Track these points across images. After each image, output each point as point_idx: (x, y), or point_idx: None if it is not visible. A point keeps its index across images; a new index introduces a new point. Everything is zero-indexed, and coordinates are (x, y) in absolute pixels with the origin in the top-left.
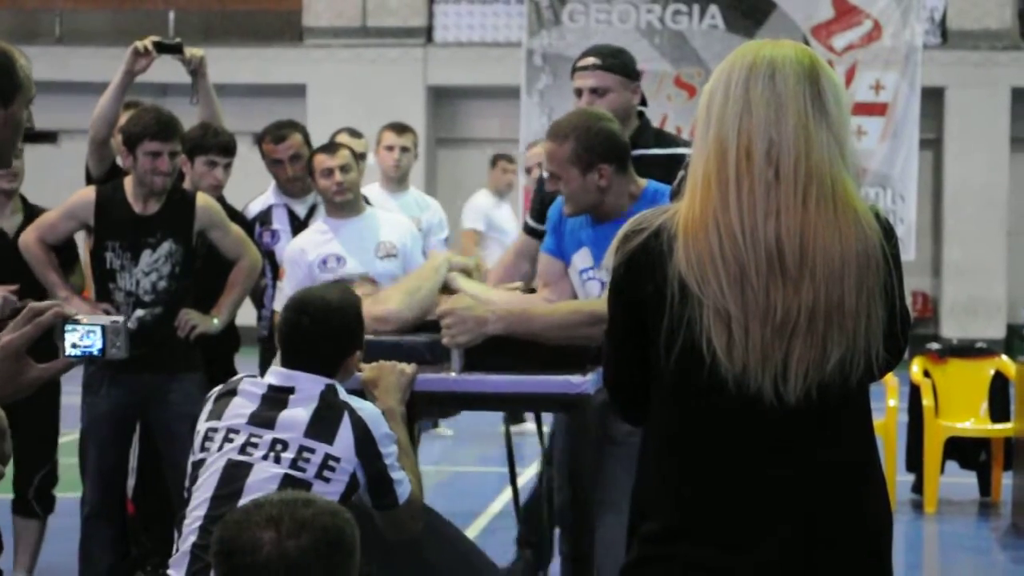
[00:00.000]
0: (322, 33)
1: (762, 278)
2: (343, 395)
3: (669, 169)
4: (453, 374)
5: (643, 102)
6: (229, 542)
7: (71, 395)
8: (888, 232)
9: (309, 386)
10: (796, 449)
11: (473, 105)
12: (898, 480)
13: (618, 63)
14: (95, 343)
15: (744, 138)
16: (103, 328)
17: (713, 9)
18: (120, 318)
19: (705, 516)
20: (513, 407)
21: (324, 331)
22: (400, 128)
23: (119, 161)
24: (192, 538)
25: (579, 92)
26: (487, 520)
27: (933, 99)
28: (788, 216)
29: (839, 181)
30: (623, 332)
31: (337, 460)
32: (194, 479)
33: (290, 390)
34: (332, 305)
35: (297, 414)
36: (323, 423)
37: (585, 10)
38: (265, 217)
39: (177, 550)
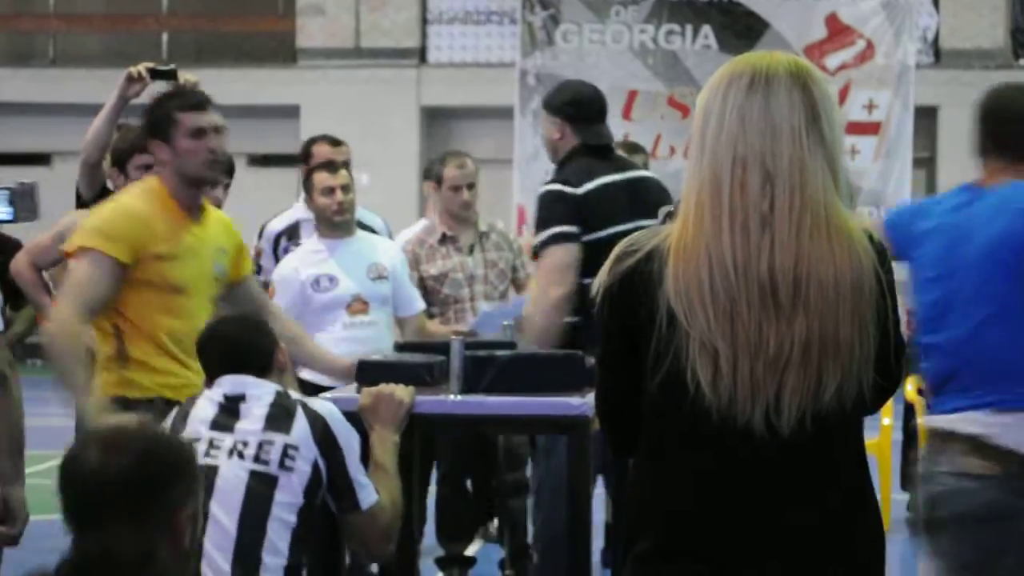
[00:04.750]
0: (315, 54)
1: (754, 312)
2: (295, 395)
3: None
4: (452, 396)
5: (587, 142)
6: (65, 460)
7: (58, 416)
8: (882, 256)
9: (259, 391)
10: (788, 477)
11: (467, 126)
12: (893, 499)
13: (545, 97)
14: (4, 210)
15: (739, 169)
16: (10, 192)
17: (706, 29)
18: (31, 181)
19: (697, 537)
20: (512, 429)
21: (247, 335)
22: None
23: (109, 184)
24: None
25: None
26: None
27: (926, 118)
28: (782, 250)
29: (833, 208)
30: (616, 356)
31: (296, 448)
32: None
33: (241, 397)
34: (243, 314)
35: (253, 415)
36: (278, 418)
37: (579, 30)
38: (292, 232)
39: None
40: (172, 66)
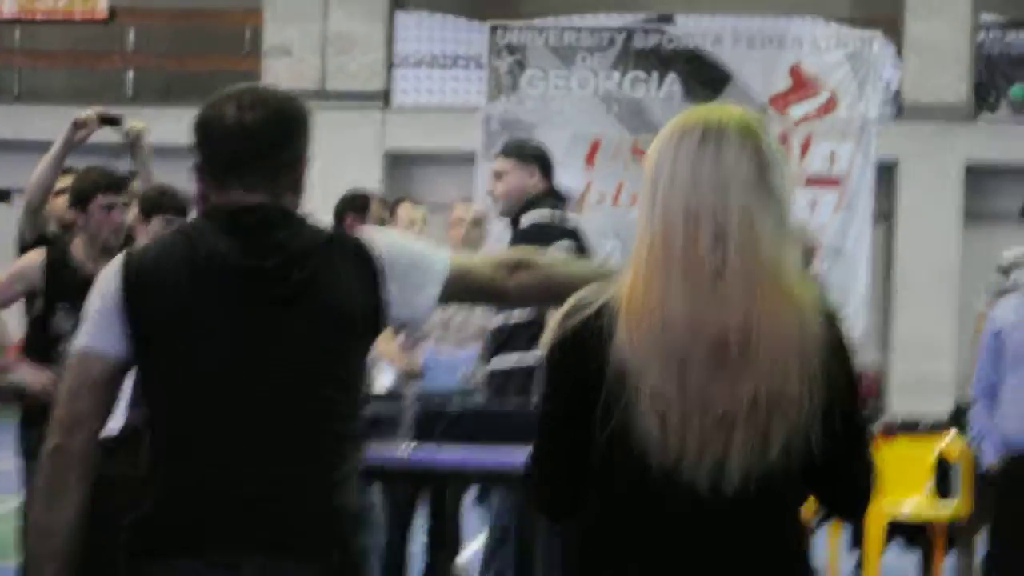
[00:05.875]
0: None
1: (704, 369)
2: None
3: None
4: (404, 446)
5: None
6: (202, 116)
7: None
8: (832, 317)
9: None
10: (729, 536)
11: (430, 170)
12: (841, 558)
13: (513, 147)
14: None
15: (690, 224)
16: None
17: (672, 77)
18: None
19: None
20: (467, 483)
21: None
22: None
23: (51, 227)
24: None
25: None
26: None
27: (887, 172)
28: (733, 307)
29: (784, 266)
30: (560, 415)
31: None
32: None
33: None
34: None
35: None
36: None
37: (544, 76)
38: None
39: None
40: (119, 115)
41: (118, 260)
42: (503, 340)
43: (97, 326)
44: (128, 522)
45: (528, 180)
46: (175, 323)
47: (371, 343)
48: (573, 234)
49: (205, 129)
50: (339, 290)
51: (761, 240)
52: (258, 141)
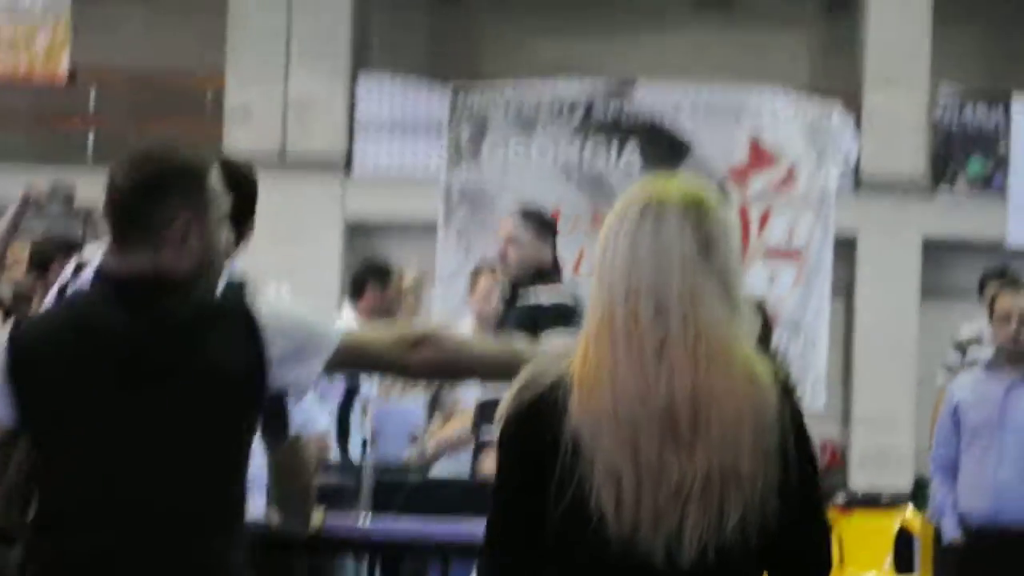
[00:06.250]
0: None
1: (655, 441)
2: None
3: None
4: (362, 515)
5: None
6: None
7: None
8: (787, 388)
9: None
10: None
11: (391, 239)
12: None
13: (533, 217)
14: None
15: (632, 299)
16: None
17: (631, 146)
18: None
19: None
20: (422, 552)
21: None
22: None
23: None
24: None
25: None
26: None
27: (845, 245)
28: (680, 378)
29: (731, 339)
30: (514, 487)
31: None
32: None
33: None
34: None
35: None
36: None
37: (504, 142)
38: None
39: None
40: (70, 190)
41: (5, 333)
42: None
43: None
44: None
45: (543, 251)
46: (54, 396)
47: (255, 408)
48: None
49: (105, 191)
50: (220, 357)
51: (704, 314)
52: (130, 203)
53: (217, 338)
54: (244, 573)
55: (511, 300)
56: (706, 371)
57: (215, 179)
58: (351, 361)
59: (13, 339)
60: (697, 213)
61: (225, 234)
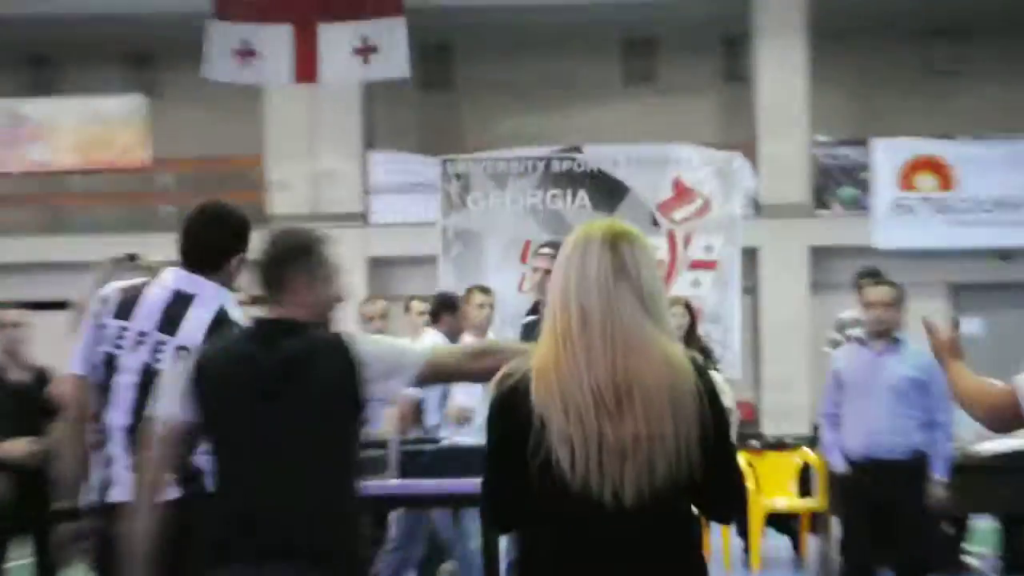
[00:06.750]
0: (281, 219)
1: (591, 414)
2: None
3: None
4: (393, 481)
5: None
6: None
7: None
8: (701, 369)
9: (211, 293)
10: (632, 540)
11: (402, 272)
12: (732, 544)
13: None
14: None
15: (567, 308)
16: None
17: (582, 192)
18: None
19: None
20: (446, 505)
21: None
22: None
23: None
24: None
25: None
26: None
27: (750, 256)
28: (604, 366)
29: (647, 335)
30: (501, 453)
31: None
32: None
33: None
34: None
35: (199, 318)
36: (219, 331)
37: (485, 196)
38: None
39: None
40: (135, 254)
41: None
42: None
43: (180, 398)
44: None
45: None
46: (219, 403)
47: (357, 411)
48: None
49: (252, 263)
50: (325, 377)
51: (618, 318)
52: (264, 271)
53: (325, 364)
54: (358, 519)
55: (533, 311)
56: (624, 358)
57: (323, 251)
58: (434, 374)
59: (197, 362)
60: (613, 246)
61: (333, 289)
